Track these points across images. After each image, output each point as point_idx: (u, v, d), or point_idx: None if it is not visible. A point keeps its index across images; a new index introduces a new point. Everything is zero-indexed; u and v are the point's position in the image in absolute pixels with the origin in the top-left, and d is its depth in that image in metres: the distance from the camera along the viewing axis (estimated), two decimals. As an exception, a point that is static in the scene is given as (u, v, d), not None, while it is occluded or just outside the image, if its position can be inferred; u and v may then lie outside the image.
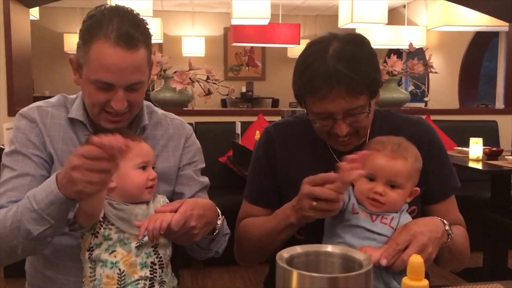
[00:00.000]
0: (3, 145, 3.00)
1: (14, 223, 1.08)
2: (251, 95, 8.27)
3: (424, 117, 3.58)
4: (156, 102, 3.77)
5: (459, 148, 3.32)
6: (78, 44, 1.19)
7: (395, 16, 7.02)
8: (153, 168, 1.22)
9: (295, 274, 0.76)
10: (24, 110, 1.29)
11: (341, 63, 1.13)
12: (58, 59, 7.58)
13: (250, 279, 3.21)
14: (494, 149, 3.11)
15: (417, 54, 5.88)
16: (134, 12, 1.20)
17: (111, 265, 1.12)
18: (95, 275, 1.13)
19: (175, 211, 1.08)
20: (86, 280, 1.15)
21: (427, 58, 4.32)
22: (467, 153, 3.06)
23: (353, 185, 1.20)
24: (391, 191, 1.16)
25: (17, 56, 3.65)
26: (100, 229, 1.13)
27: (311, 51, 1.20)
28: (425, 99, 4.89)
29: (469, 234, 1.31)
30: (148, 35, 1.20)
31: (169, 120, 1.40)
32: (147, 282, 1.14)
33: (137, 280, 1.13)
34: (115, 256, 1.12)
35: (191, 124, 1.48)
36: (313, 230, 1.21)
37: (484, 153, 3.01)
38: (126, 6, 1.21)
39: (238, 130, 3.46)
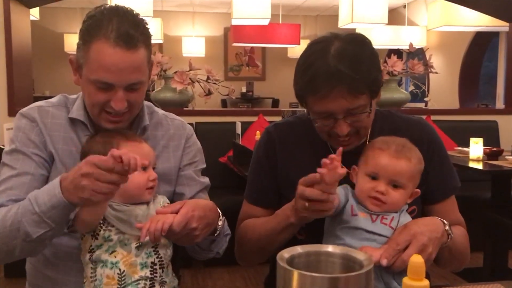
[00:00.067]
0: (3, 145, 3.00)
1: (14, 224, 1.07)
2: (251, 95, 8.27)
3: (424, 117, 3.58)
4: (156, 102, 3.77)
5: (460, 148, 3.32)
6: (78, 44, 1.19)
7: (395, 16, 7.02)
8: (153, 168, 1.22)
9: (295, 274, 0.76)
10: (24, 109, 1.29)
11: (343, 62, 1.13)
12: (58, 59, 7.58)
13: (251, 279, 3.21)
14: (495, 149, 3.11)
15: (417, 54, 5.88)
16: (134, 12, 1.20)
17: (111, 265, 1.12)
18: (95, 276, 1.13)
19: (176, 212, 1.08)
20: (87, 280, 1.15)
21: (427, 58, 4.32)
22: (467, 153, 3.06)
23: (352, 186, 1.20)
24: (393, 190, 1.16)
25: (18, 56, 3.65)
26: (100, 231, 1.13)
27: (312, 51, 1.20)
28: (426, 99, 4.89)
29: (469, 234, 1.31)
30: (148, 35, 1.20)
31: (169, 121, 1.40)
32: (148, 282, 1.14)
33: (138, 280, 1.12)
34: (115, 256, 1.12)
35: (191, 124, 1.48)
36: (313, 230, 1.21)
37: (485, 153, 3.01)
38: (126, 6, 1.21)
39: (239, 130, 3.46)
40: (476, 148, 2.99)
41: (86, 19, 1.19)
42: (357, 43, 1.19)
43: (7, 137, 2.93)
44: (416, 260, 0.78)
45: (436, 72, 4.34)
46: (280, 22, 6.38)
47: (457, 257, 1.25)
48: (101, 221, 1.13)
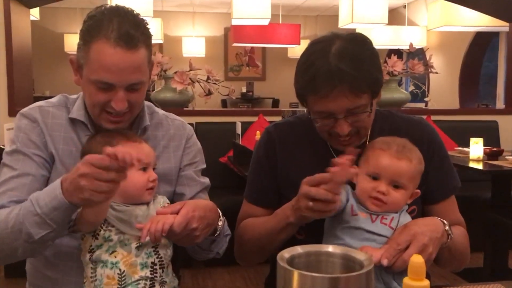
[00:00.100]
0: (3, 146, 3.00)
1: (16, 225, 1.07)
2: (252, 95, 8.26)
3: (424, 117, 3.58)
4: (156, 102, 3.77)
5: (460, 148, 3.32)
6: (78, 44, 1.19)
7: (395, 16, 7.02)
8: (153, 169, 1.22)
9: (296, 274, 0.76)
10: (25, 110, 1.29)
11: (344, 62, 1.13)
12: (59, 59, 7.58)
13: (251, 279, 3.21)
14: (495, 149, 3.11)
15: (417, 54, 5.88)
16: (134, 12, 1.20)
17: (111, 266, 1.12)
18: (95, 276, 1.13)
19: (176, 213, 1.08)
20: (87, 280, 1.15)
21: (427, 58, 4.32)
22: (467, 153, 3.06)
23: (352, 186, 1.20)
24: (394, 191, 1.16)
25: (18, 56, 3.66)
26: (100, 231, 1.13)
27: (313, 50, 1.20)
28: (426, 99, 4.89)
29: (469, 234, 1.31)
30: (148, 35, 1.20)
31: (170, 121, 1.40)
32: (148, 282, 1.14)
33: (138, 280, 1.12)
34: (115, 257, 1.12)
35: (191, 124, 1.48)
36: (313, 230, 1.21)
37: (485, 153, 3.01)
38: (126, 6, 1.21)
39: (239, 130, 3.46)
40: (476, 148, 2.99)
41: (86, 19, 1.19)
42: (358, 43, 1.19)
43: (7, 137, 2.93)
44: (417, 260, 0.78)
45: (436, 72, 4.34)
46: (280, 22, 6.39)
47: (457, 257, 1.25)
48: (102, 221, 1.13)
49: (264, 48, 8.42)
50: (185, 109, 4.00)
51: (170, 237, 1.11)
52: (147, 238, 1.06)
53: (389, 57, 4.11)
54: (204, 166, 1.43)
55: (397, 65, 3.99)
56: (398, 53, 5.03)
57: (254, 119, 3.81)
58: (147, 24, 1.21)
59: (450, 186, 1.34)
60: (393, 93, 4.07)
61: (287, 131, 1.37)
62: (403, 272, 1.01)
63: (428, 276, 1.22)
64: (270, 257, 1.33)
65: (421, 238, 1.07)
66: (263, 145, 1.38)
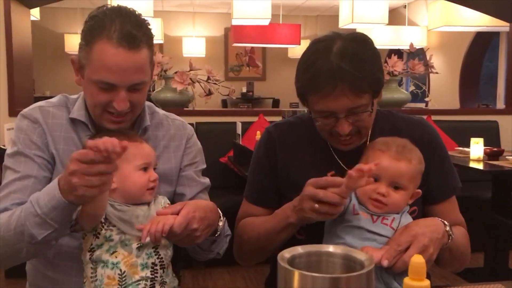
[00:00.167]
0: (4, 146, 3.00)
1: (18, 227, 1.08)
2: (252, 95, 8.26)
3: (425, 117, 3.57)
4: (156, 102, 3.77)
5: (460, 148, 3.32)
6: (80, 44, 1.19)
7: (395, 17, 7.02)
8: (154, 169, 1.22)
9: (296, 274, 0.76)
10: (26, 110, 1.29)
11: (345, 61, 1.13)
12: (59, 59, 7.58)
13: (251, 279, 3.21)
14: (495, 149, 3.11)
15: (417, 54, 5.88)
16: (136, 13, 1.19)
17: (112, 266, 1.12)
18: (96, 276, 1.13)
19: (177, 214, 1.08)
20: (87, 280, 1.15)
21: (427, 58, 4.32)
22: (468, 153, 3.06)
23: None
24: (394, 192, 1.16)
25: (18, 57, 3.66)
26: (101, 230, 1.13)
27: (314, 49, 1.20)
28: (426, 99, 4.89)
29: (470, 235, 1.31)
30: (150, 36, 1.20)
31: (170, 121, 1.40)
32: (148, 283, 1.14)
33: (138, 280, 1.12)
34: (116, 257, 1.12)
35: (191, 124, 1.48)
36: (313, 230, 1.21)
37: (485, 153, 3.01)
38: (128, 6, 1.21)
39: (239, 130, 3.46)
40: (476, 148, 2.99)
41: (88, 19, 1.18)
42: (359, 42, 1.19)
43: (7, 138, 2.94)
44: (417, 260, 0.78)
45: (436, 72, 4.34)
46: (281, 22, 6.39)
47: (457, 257, 1.25)
48: (103, 220, 1.13)
49: (264, 48, 8.42)
50: (185, 109, 4.00)
51: (170, 238, 1.11)
52: (148, 239, 1.06)
53: (390, 57, 4.11)
54: (204, 166, 1.43)
55: (398, 65, 3.99)
56: (398, 53, 5.03)
57: (254, 119, 3.81)
58: (149, 25, 1.21)
59: (450, 187, 1.34)
60: (393, 93, 4.07)
61: (288, 131, 1.37)
62: (404, 272, 1.01)
63: (428, 276, 1.22)
64: (271, 257, 1.33)
65: (421, 239, 1.07)
66: (263, 145, 1.38)
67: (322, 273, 0.77)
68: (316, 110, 1.21)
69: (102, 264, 1.13)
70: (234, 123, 3.57)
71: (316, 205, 1.07)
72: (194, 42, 7.86)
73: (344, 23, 4.34)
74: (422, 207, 1.31)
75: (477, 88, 6.24)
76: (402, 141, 1.21)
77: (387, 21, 4.33)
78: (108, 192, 1.06)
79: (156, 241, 1.07)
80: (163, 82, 3.94)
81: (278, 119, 2.64)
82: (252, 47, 8.41)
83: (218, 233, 1.23)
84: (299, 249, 0.87)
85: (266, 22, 4.76)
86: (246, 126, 3.61)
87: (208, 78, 3.90)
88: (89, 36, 1.16)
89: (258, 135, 3.22)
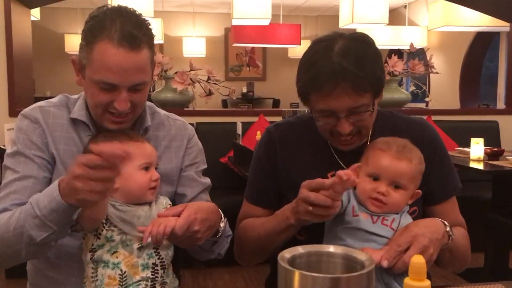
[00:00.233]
0: (4, 146, 3.00)
1: (17, 228, 1.08)
2: (252, 95, 8.26)
3: (425, 117, 3.58)
4: (157, 102, 3.77)
5: (460, 148, 3.32)
6: (80, 45, 1.19)
7: (396, 17, 7.01)
8: (156, 169, 1.22)
9: (297, 274, 0.76)
10: (26, 110, 1.29)
11: (347, 60, 1.14)
12: (59, 59, 7.58)
13: (251, 279, 3.21)
14: (495, 149, 3.11)
15: (418, 54, 5.88)
16: (137, 13, 1.19)
17: (112, 266, 1.12)
18: (96, 276, 1.13)
19: (178, 215, 1.08)
20: (88, 280, 1.15)
21: (428, 58, 4.32)
22: (468, 153, 3.06)
23: (354, 187, 1.20)
24: (394, 191, 1.16)
25: (18, 57, 3.66)
26: (102, 231, 1.13)
27: (316, 49, 1.20)
28: (426, 99, 4.89)
29: (470, 235, 1.31)
30: (150, 36, 1.20)
31: (171, 121, 1.40)
32: (149, 283, 1.14)
33: (139, 281, 1.13)
34: (117, 257, 1.12)
35: (192, 124, 1.48)
36: (314, 231, 1.21)
37: (485, 153, 3.01)
38: (128, 6, 1.21)
39: (239, 130, 3.46)
40: (477, 148, 2.98)
41: (88, 19, 1.18)
42: (361, 42, 1.20)
43: (8, 138, 2.94)
44: (418, 260, 0.78)
45: (437, 72, 4.34)
46: (281, 22, 6.39)
47: (458, 258, 1.25)
48: (104, 221, 1.13)
49: (264, 48, 8.42)
50: (185, 109, 4.00)
51: (171, 240, 1.11)
52: (149, 240, 1.06)
53: (390, 57, 4.10)
54: (205, 166, 1.43)
55: (398, 65, 3.99)
56: (398, 53, 5.03)
57: (254, 119, 3.81)
58: (150, 25, 1.21)
59: (450, 187, 1.34)
60: (393, 93, 4.07)
61: (288, 131, 1.37)
62: (404, 273, 1.01)
63: (429, 277, 1.22)
64: (271, 257, 1.33)
65: (421, 240, 1.07)
66: (263, 145, 1.38)
67: (322, 273, 0.77)
68: (317, 110, 1.21)
69: (103, 264, 1.13)
70: (235, 123, 3.57)
71: (310, 208, 1.07)
72: (194, 42, 7.86)
73: (344, 23, 4.34)
74: (423, 208, 1.31)
75: (477, 88, 6.24)
76: (402, 141, 1.21)
77: (387, 21, 4.33)
78: (108, 198, 1.07)
79: (157, 243, 1.07)
80: (163, 82, 3.95)
81: (278, 119, 2.64)
82: (252, 47, 8.41)
83: (219, 234, 1.23)
84: (300, 249, 0.87)
85: (266, 22, 4.76)
86: (246, 126, 3.61)
87: (208, 78, 3.90)
88: (90, 36, 1.16)
89: (258, 135, 3.22)
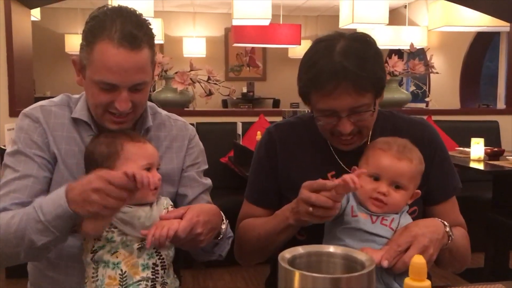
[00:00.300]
0: (4, 146, 3.00)
1: (18, 231, 1.08)
2: (252, 95, 8.26)
3: (425, 117, 3.58)
4: (157, 102, 3.76)
5: (461, 148, 3.32)
6: (81, 45, 1.19)
7: (396, 17, 7.01)
8: (157, 169, 1.22)
9: (297, 274, 0.76)
10: (27, 109, 1.29)
11: (348, 60, 1.14)
12: (59, 59, 7.58)
13: (252, 279, 3.21)
14: (496, 149, 3.11)
15: (418, 54, 5.87)
16: (137, 13, 1.19)
17: (113, 266, 1.12)
18: (97, 276, 1.13)
19: (180, 218, 1.09)
20: (89, 280, 1.15)
21: (428, 58, 4.32)
22: (468, 153, 3.06)
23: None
24: (395, 191, 1.16)
25: (18, 57, 3.66)
26: (103, 232, 1.13)
27: (317, 49, 1.20)
28: (426, 99, 4.88)
29: (470, 235, 1.31)
30: (151, 36, 1.20)
31: (172, 121, 1.40)
32: (149, 283, 1.14)
33: (139, 281, 1.12)
34: (117, 257, 1.12)
35: (192, 124, 1.48)
36: (314, 231, 1.21)
37: (486, 153, 3.01)
38: (128, 6, 1.21)
39: (239, 130, 3.46)
40: (477, 148, 2.98)
41: (89, 20, 1.18)
42: (362, 42, 1.20)
43: (8, 138, 2.94)
44: (418, 260, 0.78)
45: (437, 72, 4.34)
46: (281, 22, 6.39)
47: (457, 258, 1.25)
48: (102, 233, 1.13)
49: (264, 48, 8.42)
50: (185, 109, 4.00)
51: (175, 242, 1.11)
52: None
53: (390, 57, 4.10)
54: (206, 167, 1.43)
55: (398, 65, 3.99)
56: (399, 53, 5.03)
57: (254, 119, 3.81)
58: (150, 24, 1.21)
59: (450, 187, 1.34)
60: (394, 93, 4.07)
61: (288, 132, 1.37)
62: (404, 273, 1.01)
63: (429, 277, 1.22)
64: (271, 258, 1.33)
65: (421, 240, 1.07)
66: (264, 146, 1.38)
67: (322, 273, 0.77)
68: (318, 109, 1.21)
69: (103, 264, 1.13)
70: (235, 123, 3.57)
71: (310, 209, 1.07)
72: (194, 42, 7.86)
73: (345, 23, 4.34)
74: (423, 208, 1.31)
75: (477, 88, 6.24)
76: (402, 141, 1.21)
77: (387, 21, 4.33)
78: (112, 217, 1.09)
79: (160, 245, 1.07)
80: (163, 82, 3.95)
81: (278, 119, 2.64)
82: (253, 47, 8.41)
83: (221, 236, 1.23)
84: (300, 250, 0.87)
85: (266, 22, 4.76)
86: (246, 126, 3.61)
87: (209, 78, 3.90)
88: (90, 36, 1.16)
89: (258, 136, 3.22)
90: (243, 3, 4.40)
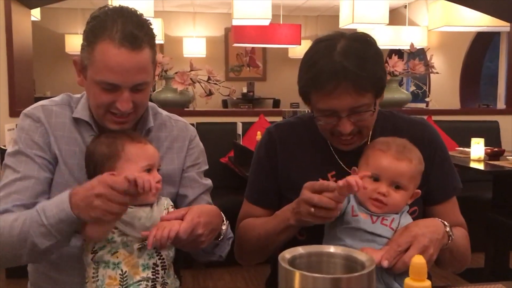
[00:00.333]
0: (4, 146, 3.00)
1: (21, 233, 1.08)
2: (252, 95, 8.26)
3: (425, 117, 3.58)
4: (157, 103, 3.75)
5: (461, 148, 3.32)
6: (82, 45, 1.19)
7: (396, 17, 7.01)
8: (158, 170, 1.22)
9: (297, 274, 0.76)
10: (28, 109, 1.28)
11: (349, 60, 1.14)
12: (59, 60, 7.58)
13: (252, 280, 3.21)
14: (496, 149, 3.11)
15: (418, 54, 5.87)
16: (138, 13, 1.19)
17: (113, 266, 1.12)
18: (97, 276, 1.13)
19: (181, 219, 1.09)
20: (89, 280, 1.15)
21: (428, 58, 4.32)
22: (468, 153, 3.06)
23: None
24: (395, 192, 1.16)
25: (19, 57, 3.66)
26: (107, 236, 1.13)
27: (317, 48, 1.20)
28: (427, 99, 4.89)
29: (470, 235, 1.31)
30: (152, 36, 1.20)
31: (173, 122, 1.39)
32: (149, 283, 1.14)
33: (139, 281, 1.13)
34: (117, 257, 1.13)
35: (192, 124, 1.48)
36: (314, 231, 1.21)
37: (486, 153, 3.01)
38: (129, 7, 1.21)
39: (239, 130, 3.46)
40: (477, 148, 2.98)
41: (90, 20, 1.18)
42: (363, 42, 1.20)
43: (8, 138, 2.93)
44: (418, 260, 0.78)
45: (437, 72, 4.34)
46: (281, 22, 6.39)
47: (458, 258, 1.25)
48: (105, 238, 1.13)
49: (264, 48, 8.42)
50: (185, 109, 4.00)
51: (176, 243, 1.11)
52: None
53: (390, 57, 4.10)
54: (207, 167, 1.43)
55: (398, 65, 3.99)
56: (399, 53, 5.03)
57: (254, 119, 3.81)
58: (151, 24, 1.21)
59: (451, 187, 1.34)
60: (394, 93, 4.07)
61: (288, 132, 1.37)
62: (405, 273, 1.01)
63: (429, 277, 1.22)
64: (271, 258, 1.33)
65: (421, 240, 1.07)
66: (264, 146, 1.38)
67: (323, 273, 0.77)
68: (319, 109, 1.20)
69: (104, 264, 1.13)
70: (235, 124, 3.57)
71: (312, 209, 1.07)
72: (194, 42, 7.87)
73: (345, 23, 4.34)
74: (423, 208, 1.31)
75: (477, 88, 6.24)
76: (402, 141, 1.21)
77: (387, 21, 4.33)
78: (115, 222, 1.09)
79: (161, 247, 1.07)
80: (163, 82, 3.95)
81: (278, 119, 2.64)
82: (253, 47, 8.41)
83: (221, 237, 1.23)
84: (300, 250, 0.87)
85: (266, 22, 4.76)
86: (246, 126, 3.61)
87: (209, 78, 3.90)
88: (91, 36, 1.15)
89: (258, 136, 3.22)
90: (243, 3, 4.40)
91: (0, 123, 3.26)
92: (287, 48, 7.98)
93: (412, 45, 4.41)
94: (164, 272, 1.17)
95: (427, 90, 5.15)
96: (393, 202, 1.15)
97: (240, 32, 5.81)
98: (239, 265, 1.44)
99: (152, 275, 1.14)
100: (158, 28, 5.95)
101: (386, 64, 4.02)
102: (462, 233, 1.28)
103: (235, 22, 4.77)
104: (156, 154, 1.22)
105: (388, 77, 4.00)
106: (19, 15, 3.73)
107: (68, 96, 1.33)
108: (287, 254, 0.84)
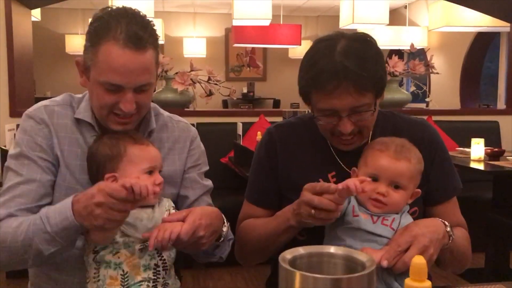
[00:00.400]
0: (5, 146, 3.00)
1: (26, 240, 1.09)
2: (252, 95, 8.26)
3: (425, 117, 3.58)
4: (157, 103, 3.73)
5: (461, 148, 3.32)
6: (85, 46, 1.18)
7: (396, 17, 7.01)
8: (160, 171, 1.22)
9: (298, 275, 0.76)
10: (30, 110, 1.27)
11: (349, 59, 1.14)
12: (60, 60, 7.58)
13: (252, 280, 3.21)
14: (496, 149, 3.11)
15: (418, 54, 5.88)
16: (141, 14, 1.19)
17: (114, 266, 1.12)
18: (98, 276, 1.13)
19: (182, 220, 1.09)
20: (90, 281, 1.15)
21: (428, 58, 4.32)
22: (468, 153, 3.06)
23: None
24: (394, 192, 1.16)
25: (19, 57, 3.66)
26: (112, 240, 1.13)
27: (318, 48, 1.20)
28: (427, 99, 4.89)
29: (471, 235, 1.31)
30: (155, 37, 1.20)
31: (174, 123, 1.39)
32: (150, 284, 1.14)
33: (140, 281, 1.13)
34: (118, 257, 1.13)
35: (192, 125, 1.48)
36: (315, 232, 1.21)
37: (486, 153, 3.01)
38: (132, 7, 1.21)
39: (240, 131, 3.46)
40: (477, 148, 2.99)
41: (93, 21, 1.18)
42: (363, 42, 1.20)
43: (8, 138, 2.93)
44: (418, 261, 0.78)
45: (437, 73, 4.34)
46: (281, 22, 6.38)
47: (458, 258, 1.25)
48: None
49: (265, 48, 8.42)
50: (186, 109, 4.00)
51: (177, 245, 1.11)
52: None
53: (390, 57, 4.10)
54: (207, 168, 1.43)
55: (398, 66, 3.99)
56: (399, 53, 5.03)
57: (255, 119, 3.81)
58: (154, 25, 1.21)
59: (451, 188, 1.34)
60: (394, 93, 4.07)
61: (288, 132, 1.37)
62: (405, 273, 1.01)
63: (429, 277, 1.22)
64: (272, 258, 1.33)
65: (422, 240, 1.07)
66: (264, 146, 1.38)
67: (323, 274, 0.78)
68: (319, 109, 1.21)
69: (105, 265, 1.13)
70: (235, 124, 3.57)
71: (313, 211, 1.07)
72: (194, 42, 7.86)
73: (345, 23, 4.34)
74: (423, 208, 1.31)
75: (477, 88, 6.24)
76: (400, 141, 1.21)
77: (387, 22, 4.33)
78: (118, 228, 1.10)
79: (163, 248, 1.07)
80: (163, 82, 3.95)
81: (279, 119, 2.64)
82: (253, 48, 8.41)
83: (222, 238, 1.23)
84: (300, 250, 0.87)
85: (266, 23, 4.76)
86: (246, 126, 3.61)
87: (209, 78, 3.90)
88: (95, 37, 1.15)
89: (258, 136, 3.22)
90: (244, 3, 4.40)
91: (0, 123, 3.26)
92: (287, 49, 7.98)
93: (412, 45, 4.41)
94: (165, 273, 1.17)
95: (427, 90, 5.15)
96: (393, 202, 1.15)
97: (240, 32, 5.80)
98: (239, 265, 1.44)
99: (153, 275, 1.14)
100: (158, 28, 5.89)
101: (386, 65, 4.02)
102: (462, 234, 1.28)
103: (235, 23, 4.77)
104: (158, 156, 1.22)
105: (388, 78, 4.00)
106: (20, 16, 3.73)
107: (69, 96, 1.32)
108: (288, 254, 0.84)
